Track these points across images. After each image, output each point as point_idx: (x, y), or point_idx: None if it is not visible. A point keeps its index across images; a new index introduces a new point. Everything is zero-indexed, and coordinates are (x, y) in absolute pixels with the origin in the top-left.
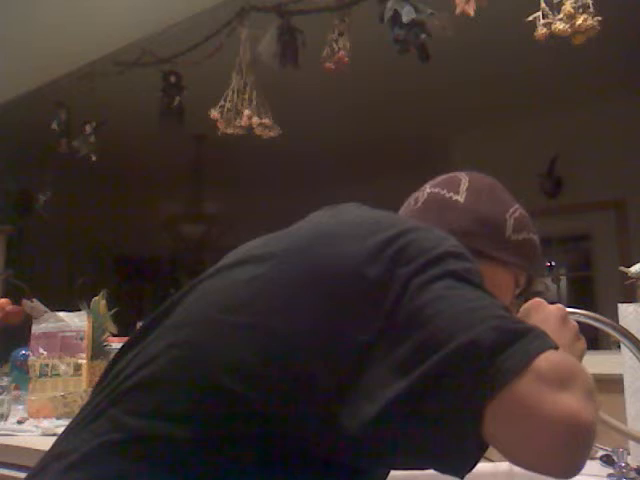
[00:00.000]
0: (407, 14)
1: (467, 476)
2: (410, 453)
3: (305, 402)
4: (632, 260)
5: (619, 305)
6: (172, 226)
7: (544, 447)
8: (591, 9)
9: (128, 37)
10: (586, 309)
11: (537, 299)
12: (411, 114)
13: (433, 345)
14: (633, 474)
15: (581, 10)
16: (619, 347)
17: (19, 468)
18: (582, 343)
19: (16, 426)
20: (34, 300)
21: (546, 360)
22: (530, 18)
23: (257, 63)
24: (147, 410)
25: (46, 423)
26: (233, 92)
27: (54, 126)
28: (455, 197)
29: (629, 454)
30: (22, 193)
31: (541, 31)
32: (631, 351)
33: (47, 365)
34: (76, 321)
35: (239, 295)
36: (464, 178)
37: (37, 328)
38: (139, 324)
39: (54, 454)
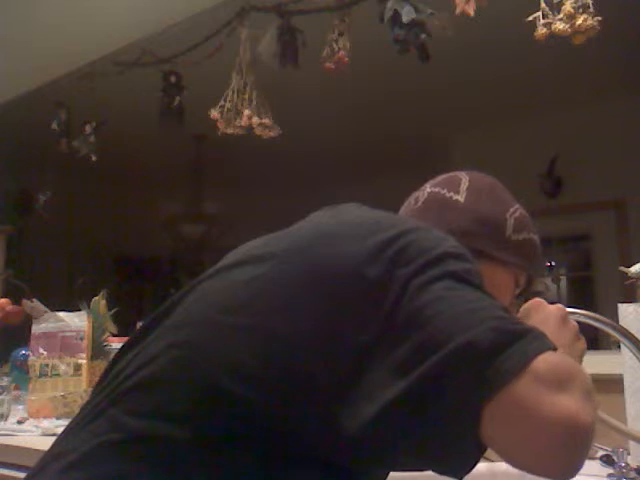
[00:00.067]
0: (407, 14)
1: (466, 477)
2: (409, 454)
3: (305, 402)
4: (632, 260)
5: (619, 305)
6: (172, 226)
7: (542, 448)
8: (591, 9)
9: (128, 37)
10: (586, 309)
11: (537, 299)
12: (411, 114)
13: (432, 346)
14: (633, 474)
15: (581, 10)
16: (619, 347)
17: (19, 468)
18: (582, 343)
19: (16, 426)
20: (34, 300)
21: (544, 361)
22: (530, 18)
23: (257, 63)
24: (147, 410)
25: (46, 423)
26: (233, 92)
27: (54, 126)
28: (455, 197)
29: (629, 454)
30: (22, 193)
31: (541, 31)
32: (631, 351)
33: (47, 365)
34: (76, 321)
35: (238, 296)
36: (464, 178)
37: (37, 328)
38: (139, 324)
39: (53, 454)
